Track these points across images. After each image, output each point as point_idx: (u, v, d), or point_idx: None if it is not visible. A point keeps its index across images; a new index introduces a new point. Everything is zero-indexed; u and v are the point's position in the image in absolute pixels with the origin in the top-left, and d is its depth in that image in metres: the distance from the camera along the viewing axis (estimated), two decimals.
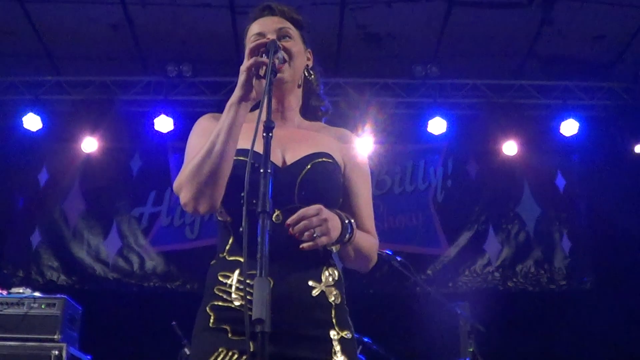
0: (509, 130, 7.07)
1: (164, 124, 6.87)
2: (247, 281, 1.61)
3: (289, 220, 1.77)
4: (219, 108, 1.93)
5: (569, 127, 7.03)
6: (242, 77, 1.89)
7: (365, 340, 5.56)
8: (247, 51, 1.95)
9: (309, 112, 2.23)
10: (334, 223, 1.84)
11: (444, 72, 7.01)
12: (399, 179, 7.25)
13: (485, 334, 4.98)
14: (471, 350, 4.93)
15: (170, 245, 7.13)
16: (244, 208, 1.61)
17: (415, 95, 7.15)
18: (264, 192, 1.61)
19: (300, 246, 1.76)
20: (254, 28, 2.13)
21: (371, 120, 6.81)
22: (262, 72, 1.88)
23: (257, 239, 1.56)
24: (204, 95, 7.07)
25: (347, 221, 1.90)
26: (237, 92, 1.90)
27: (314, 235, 1.77)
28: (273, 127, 1.72)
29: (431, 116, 6.97)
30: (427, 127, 6.98)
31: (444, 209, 7.23)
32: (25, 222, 7.22)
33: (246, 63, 1.90)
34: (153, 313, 6.57)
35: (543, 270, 7.14)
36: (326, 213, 1.81)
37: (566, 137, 7.11)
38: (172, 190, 7.02)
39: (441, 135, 7.02)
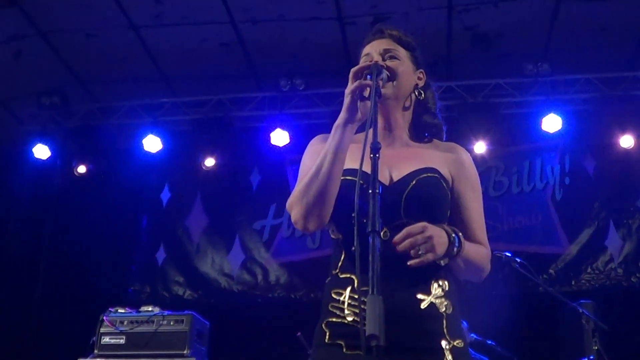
0: (625, 123, 6.91)
1: (280, 137, 6.97)
2: (362, 299, 1.63)
3: (395, 239, 1.79)
4: (333, 119, 2.00)
5: None
6: (346, 100, 1.95)
7: (489, 342, 5.55)
8: (350, 75, 2.00)
9: (420, 130, 2.24)
10: (440, 239, 1.84)
11: (555, 69, 6.87)
12: (517, 179, 7.15)
13: (610, 331, 4.89)
14: (596, 348, 4.85)
15: (292, 255, 7.22)
16: (355, 228, 1.63)
17: (527, 94, 7.05)
18: (373, 212, 1.63)
19: (408, 263, 1.78)
20: (364, 50, 2.22)
21: (486, 121, 6.79)
22: (366, 94, 1.94)
23: (368, 257, 1.57)
24: (317, 107, 7.14)
25: (453, 235, 1.91)
26: (342, 115, 1.96)
27: (419, 252, 1.79)
28: (379, 148, 1.74)
29: (545, 114, 6.84)
30: (541, 125, 6.87)
31: (563, 206, 7.08)
32: (150, 240, 7.46)
33: (350, 86, 1.95)
34: (279, 323, 6.66)
35: None
36: (431, 230, 1.81)
37: None
38: None
39: (556, 132, 6.88)
